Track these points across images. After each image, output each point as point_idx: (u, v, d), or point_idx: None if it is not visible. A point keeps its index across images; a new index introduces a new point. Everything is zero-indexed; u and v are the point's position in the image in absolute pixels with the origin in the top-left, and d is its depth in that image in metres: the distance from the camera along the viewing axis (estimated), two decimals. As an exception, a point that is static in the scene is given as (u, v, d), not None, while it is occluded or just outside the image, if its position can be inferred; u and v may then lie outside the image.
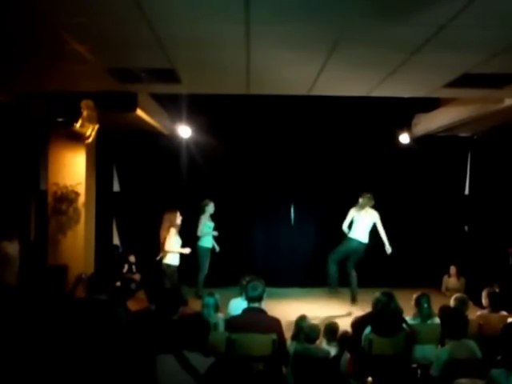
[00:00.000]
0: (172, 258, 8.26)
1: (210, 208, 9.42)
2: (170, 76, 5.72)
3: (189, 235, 8.97)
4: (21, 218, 7.80)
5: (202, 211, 9.37)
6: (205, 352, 3.97)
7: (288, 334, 5.35)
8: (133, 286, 8.42)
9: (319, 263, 9.30)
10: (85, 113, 6.98)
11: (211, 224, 9.47)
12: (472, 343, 4.56)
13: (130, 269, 9.58)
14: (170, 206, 8.46)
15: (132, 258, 9.74)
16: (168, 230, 8.18)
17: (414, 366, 5.14)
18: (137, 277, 9.23)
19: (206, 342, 4.05)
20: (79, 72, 5.58)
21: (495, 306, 5.70)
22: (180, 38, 4.46)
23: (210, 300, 5.60)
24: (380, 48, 4.70)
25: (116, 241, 10.40)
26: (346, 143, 10.39)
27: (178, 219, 8.31)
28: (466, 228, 10.78)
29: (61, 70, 5.61)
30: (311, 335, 5.28)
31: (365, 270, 10.15)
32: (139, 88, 6.81)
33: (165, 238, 8.18)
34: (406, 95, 6.87)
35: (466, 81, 5.72)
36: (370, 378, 4.89)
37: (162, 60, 5.11)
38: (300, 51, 4.82)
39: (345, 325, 5.87)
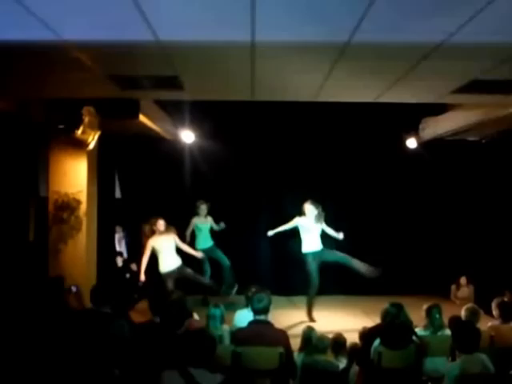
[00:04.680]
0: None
1: (202, 210, 9.47)
2: (173, 83, 5.62)
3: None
4: (20, 226, 7.71)
5: (194, 213, 9.44)
6: (211, 368, 3.88)
7: (293, 343, 5.23)
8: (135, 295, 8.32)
9: (324, 271, 9.17)
10: (86, 119, 6.88)
11: (202, 225, 9.48)
12: (484, 357, 4.44)
13: (131, 277, 9.41)
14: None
15: (134, 267, 9.58)
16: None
17: (425, 378, 5.05)
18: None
19: (212, 358, 3.96)
20: (80, 79, 5.49)
21: (506, 316, 5.57)
22: (184, 46, 4.36)
23: (216, 311, 5.51)
24: (387, 56, 4.61)
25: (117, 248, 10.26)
26: (352, 148, 10.25)
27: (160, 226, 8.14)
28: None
29: (62, 77, 5.53)
30: (320, 347, 5.17)
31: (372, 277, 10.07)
32: (141, 95, 6.72)
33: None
34: (413, 101, 6.77)
35: (474, 87, 5.62)
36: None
37: (164, 67, 5.02)
38: (306, 59, 4.73)
39: (350, 335, 5.78)
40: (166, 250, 8.09)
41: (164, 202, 10.07)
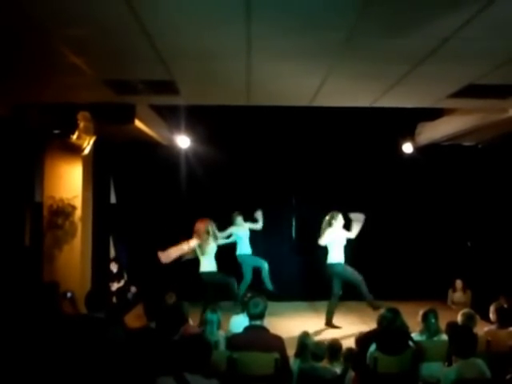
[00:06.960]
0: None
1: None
2: (169, 87, 5.62)
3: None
4: (15, 231, 7.66)
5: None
6: (206, 374, 3.85)
7: (290, 350, 5.21)
8: (129, 295, 8.28)
9: (320, 276, 9.14)
10: (81, 124, 6.87)
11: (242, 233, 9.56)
12: (481, 362, 4.42)
13: (126, 282, 9.39)
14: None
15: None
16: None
17: (421, 384, 5.03)
18: (133, 289, 9.09)
19: (207, 364, 3.93)
20: (76, 84, 5.49)
21: (503, 321, 5.56)
22: (180, 50, 4.37)
23: (213, 317, 5.48)
24: (383, 60, 4.63)
25: (113, 254, 10.22)
26: (348, 153, 10.25)
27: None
28: (469, 243, 10.66)
29: (57, 82, 5.52)
30: (318, 353, 5.13)
31: (369, 282, 10.05)
32: (137, 99, 6.71)
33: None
34: (409, 106, 6.78)
35: (470, 91, 5.64)
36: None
37: (160, 72, 5.02)
38: (301, 64, 4.74)
39: (346, 340, 5.75)
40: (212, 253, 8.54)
41: (159, 207, 10.05)
